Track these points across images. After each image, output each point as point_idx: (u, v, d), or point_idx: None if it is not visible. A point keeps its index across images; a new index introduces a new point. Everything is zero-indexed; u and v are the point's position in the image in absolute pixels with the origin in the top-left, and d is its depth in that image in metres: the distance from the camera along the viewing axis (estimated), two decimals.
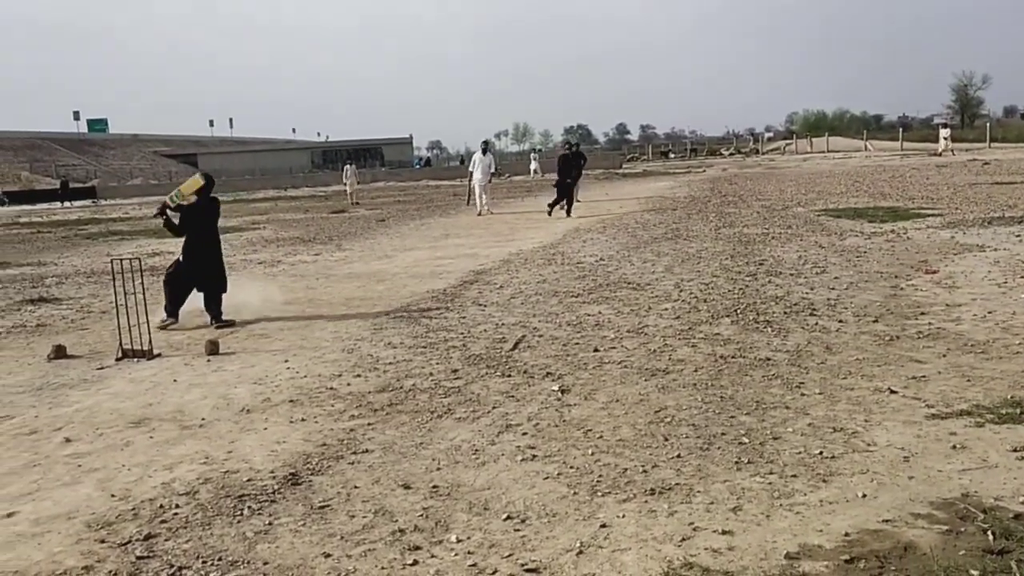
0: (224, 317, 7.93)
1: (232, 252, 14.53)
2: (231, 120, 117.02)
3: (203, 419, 5.02)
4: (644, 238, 12.86)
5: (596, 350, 6.09)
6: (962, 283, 7.84)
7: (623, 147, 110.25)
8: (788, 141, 74.73)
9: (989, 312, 6.57)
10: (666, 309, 7.37)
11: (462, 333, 6.92)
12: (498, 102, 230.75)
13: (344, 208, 26.05)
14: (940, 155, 39.41)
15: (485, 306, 8.03)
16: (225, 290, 8.10)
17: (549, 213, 17.94)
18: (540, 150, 65.93)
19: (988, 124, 57.51)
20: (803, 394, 4.84)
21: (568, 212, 17.99)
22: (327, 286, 10.12)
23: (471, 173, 20.97)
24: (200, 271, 8.02)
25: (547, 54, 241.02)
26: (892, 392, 4.78)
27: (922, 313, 6.72)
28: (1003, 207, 14.23)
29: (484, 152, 20.78)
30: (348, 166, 31.32)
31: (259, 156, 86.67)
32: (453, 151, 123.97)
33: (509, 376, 5.56)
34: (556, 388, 5.21)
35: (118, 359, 6.67)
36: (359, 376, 5.80)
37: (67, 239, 20.02)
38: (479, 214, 19.87)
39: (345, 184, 30.38)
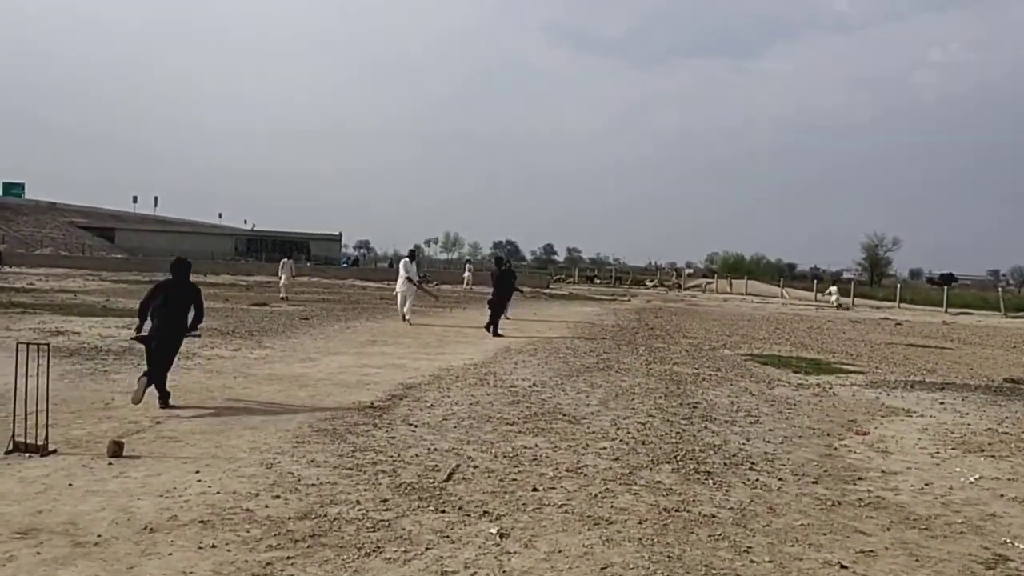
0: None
1: None
2: (156, 198, 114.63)
3: (99, 536, 4.48)
4: (576, 366, 12.73)
5: (535, 489, 5.77)
6: (894, 449, 7.86)
7: (549, 267, 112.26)
8: (709, 280, 77.27)
9: (926, 484, 6.54)
10: (604, 448, 7.14)
11: (392, 456, 6.52)
12: (430, 209, 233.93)
13: (267, 301, 25.37)
14: (838, 309, 42.09)
15: (416, 426, 7.66)
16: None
17: (491, 333, 17.69)
18: (470, 261, 66.32)
19: (898, 286, 60.77)
20: (752, 560, 4.61)
21: (495, 332, 17.75)
22: (245, 387, 9.59)
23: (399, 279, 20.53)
24: (160, 351, 8.19)
25: (483, 168, 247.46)
26: (843, 567, 4.60)
27: (860, 478, 6.65)
28: (922, 371, 14.68)
29: (411, 258, 20.60)
30: (286, 260, 30.83)
31: (181, 237, 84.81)
32: (381, 252, 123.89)
33: (443, 512, 5.18)
34: (494, 531, 4.86)
35: (7, 452, 6.03)
36: (278, 497, 5.33)
37: None
38: (404, 319, 19.59)
39: (280, 276, 29.79)
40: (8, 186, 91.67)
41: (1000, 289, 67.64)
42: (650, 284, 72.15)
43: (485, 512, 5.21)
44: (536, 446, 7.09)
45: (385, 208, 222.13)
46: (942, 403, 10.81)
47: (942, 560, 4.78)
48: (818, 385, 12.09)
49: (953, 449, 7.92)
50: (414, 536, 4.72)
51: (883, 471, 6.93)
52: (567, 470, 6.34)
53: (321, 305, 25.56)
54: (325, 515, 5.00)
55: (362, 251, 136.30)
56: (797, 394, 11.06)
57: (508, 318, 21.27)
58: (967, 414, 9.99)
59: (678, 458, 6.91)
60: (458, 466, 6.28)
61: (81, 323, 15.83)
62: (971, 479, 6.73)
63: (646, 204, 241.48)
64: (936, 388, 12.31)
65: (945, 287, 58.23)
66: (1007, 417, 9.83)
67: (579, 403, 9.37)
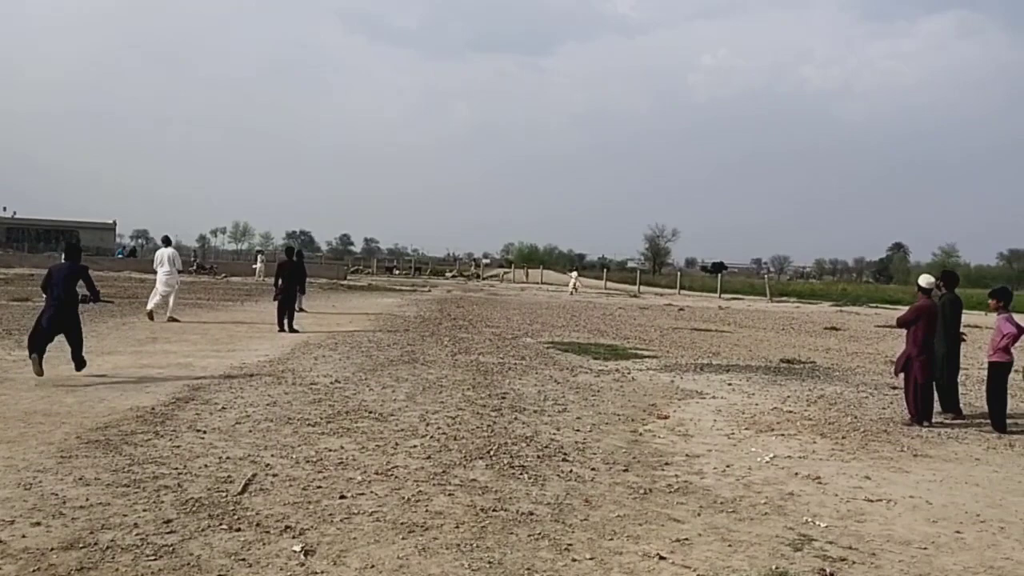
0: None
1: None
2: None
3: None
4: (380, 359, 12.27)
5: (343, 496, 5.32)
6: (694, 431, 8.11)
7: (345, 258, 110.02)
8: (506, 270, 78.86)
9: (727, 466, 6.75)
10: (415, 446, 6.79)
11: (176, 468, 5.80)
12: (216, 197, 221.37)
13: (29, 296, 22.67)
14: (572, 294, 44.88)
15: (204, 432, 6.92)
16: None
17: (281, 328, 16.54)
18: (262, 251, 63.30)
19: (678, 274, 64.93)
20: (574, 559, 4.45)
21: (290, 327, 16.65)
22: (1, 393, 8.33)
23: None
24: (58, 325, 9.49)
25: (276, 154, 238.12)
26: (662, 558, 4.54)
27: (667, 463, 6.75)
28: (708, 354, 15.53)
29: (167, 245, 18.44)
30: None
31: None
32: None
33: (238, 530, 4.62)
34: (298, 549, 4.37)
35: None
36: (39, 524, 4.54)
37: None
38: (149, 315, 17.07)
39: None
40: None
41: (765, 276, 74.13)
42: (450, 275, 72.50)
43: (287, 527, 4.70)
44: (342, 448, 6.61)
45: (166, 196, 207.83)
46: (730, 384, 11.42)
47: (752, 544, 4.85)
48: (617, 371, 12.41)
49: (746, 429, 8.30)
50: (204, 562, 4.14)
51: (687, 455, 7.08)
52: (376, 473, 5.93)
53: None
54: (96, 543, 4.29)
55: (140, 241, 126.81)
56: (599, 380, 11.26)
57: (304, 311, 20.34)
58: (753, 394, 10.59)
59: (491, 453, 6.69)
60: (255, 475, 5.70)
61: None
62: (766, 459, 7.03)
63: (443, 195, 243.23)
64: (723, 370, 13.02)
65: (719, 274, 62.97)
66: (788, 396, 10.51)
67: (385, 399, 8.95)
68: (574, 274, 52.26)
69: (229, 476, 5.65)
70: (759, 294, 53.10)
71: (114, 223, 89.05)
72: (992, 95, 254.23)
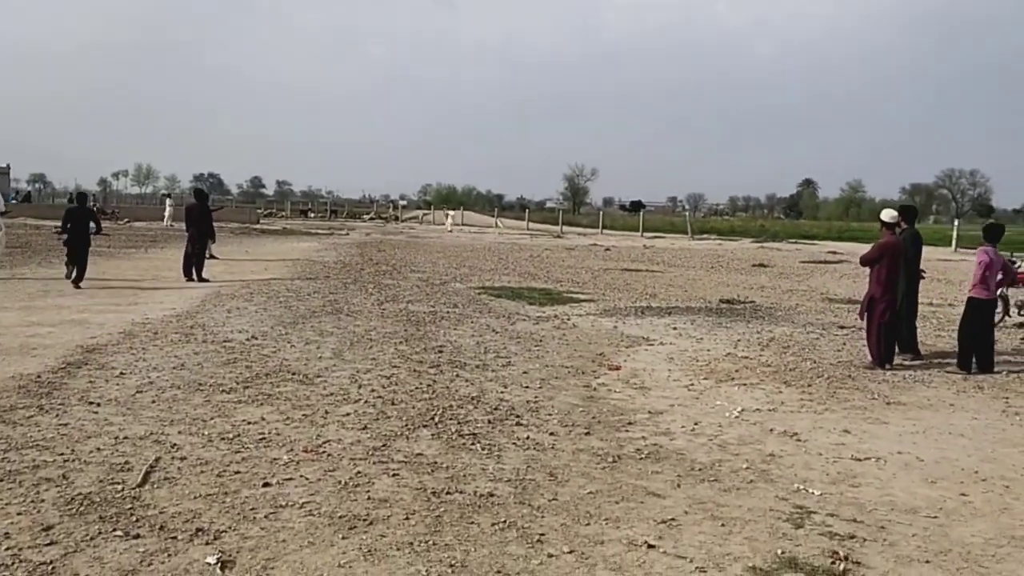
0: None
1: None
2: None
3: None
4: (301, 311, 11.28)
5: (267, 484, 4.48)
6: (650, 384, 7.50)
7: (257, 201, 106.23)
8: (426, 212, 77.35)
9: (696, 424, 6.15)
10: (348, 415, 5.95)
11: (63, 453, 4.84)
12: (119, 138, 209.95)
13: None
14: (450, 232, 46.04)
15: (99, 405, 5.93)
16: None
17: (188, 278, 15.27)
18: (170, 195, 60.00)
19: (600, 212, 64.74)
20: (550, 554, 3.75)
21: (199, 276, 15.45)
22: None
23: None
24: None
25: (172, 91, 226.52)
26: (650, 547, 3.89)
27: (630, 423, 6.12)
28: (645, 296, 15.02)
29: None
30: None
31: None
32: (61, 187, 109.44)
33: (137, 537, 3.75)
34: (213, 560, 3.54)
35: None
36: None
37: None
38: None
39: None
40: None
41: (686, 215, 74.72)
42: (367, 217, 70.66)
43: (198, 529, 3.85)
44: (263, 419, 5.73)
45: (63, 139, 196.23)
46: (675, 328, 10.89)
47: (747, 522, 4.24)
48: (556, 316, 11.75)
49: (705, 379, 7.74)
50: None
51: (649, 411, 6.46)
52: (305, 450, 5.09)
53: None
54: None
55: (37, 185, 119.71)
56: (539, 328, 10.57)
57: (215, 257, 19.01)
58: (702, 339, 10.08)
59: (436, 419, 5.92)
60: (158, 460, 4.79)
61: None
62: (735, 413, 6.47)
63: (357, 138, 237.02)
64: (664, 313, 12.51)
65: (640, 213, 63.07)
66: (739, 340, 10.03)
67: (310, 356, 8.05)
68: (452, 212, 53.84)
69: (127, 462, 4.72)
70: (680, 232, 53.39)
71: (7, 167, 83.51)
72: (897, 26, 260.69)
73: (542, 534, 3.98)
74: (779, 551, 3.87)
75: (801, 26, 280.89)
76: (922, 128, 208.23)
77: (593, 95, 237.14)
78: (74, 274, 13.65)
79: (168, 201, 47.80)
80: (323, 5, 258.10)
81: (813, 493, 4.71)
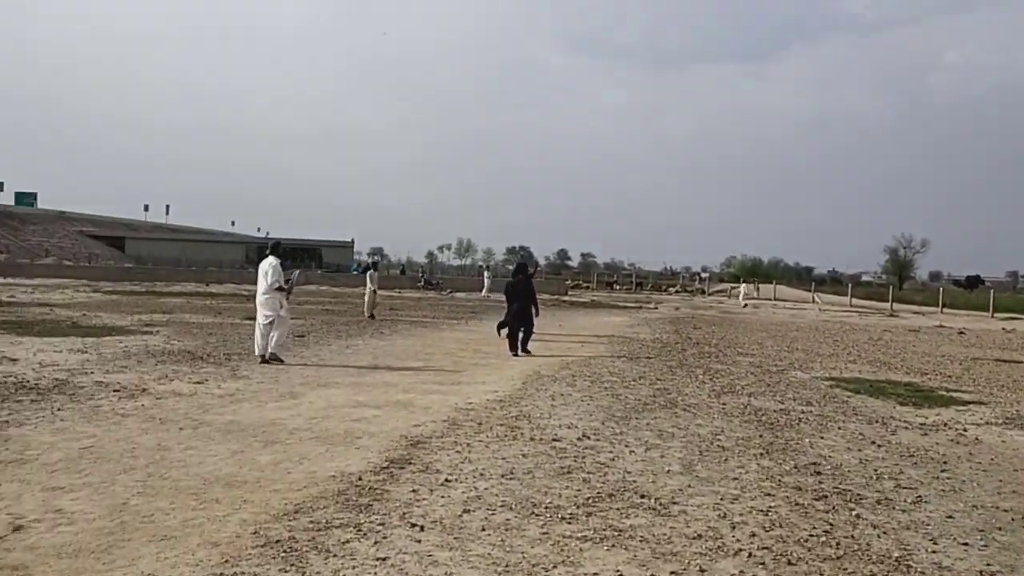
0: None
1: (94, 367, 11.17)
2: (167, 207, 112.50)
3: None
4: (630, 401, 9.97)
5: None
6: None
7: (563, 272, 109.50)
8: (734, 285, 74.31)
9: None
10: None
11: None
12: (442, 215, 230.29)
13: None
14: (744, 308, 43.41)
15: (422, 529, 4.91)
16: None
17: (515, 352, 14.98)
18: (488, 267, 63.19)
19: (940, 289, 57.77)
20: None
21: (523, 347, 15.13)
22: (188, 447, 6.87)
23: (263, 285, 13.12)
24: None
25: (496, 173, 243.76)
26: None
27: None
28: None
29: (275, 253, 13.24)
30: (372, 271, 25.59)
31: (191, 246, 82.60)
32: (395, 259, 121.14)
33: None
34: None
35: None
36: None
37: None
38: (261, 358, 12.50)
39: (368, 287, 24.26)
40: (20, 196, 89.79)
41: None
42: (673, 291, 69.30)
43: None
44: (617, 573, 4.34)
45: (396, 215, 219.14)
46: None
47: None
48: (946, 425, 9.31)
49: None
50: None
51: None
52: None
53: (324, 317, 22.92)
54: None
55: (375, 257, 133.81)
56: (933, 443, 8.27)
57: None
58: None
59: None
60: None
61: (29, 346, 13.22)
62: None
63: (660, 209, 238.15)
64: None
65: (991, 290, 55.22)
66: None
67: (655, 469, 6.60)
68: (743, 287, 51.27)
69: None
70: None
71: (352, 241, 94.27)
72: None
73: None
74: None
75: None
76: None
77: (917, 161, 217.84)
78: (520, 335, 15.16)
79: (486, 273, 50.14)
80: (628, 82, 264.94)
81: None
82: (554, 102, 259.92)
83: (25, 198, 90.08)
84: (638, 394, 10.59)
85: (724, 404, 10.13)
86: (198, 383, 10.19)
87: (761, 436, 8.17)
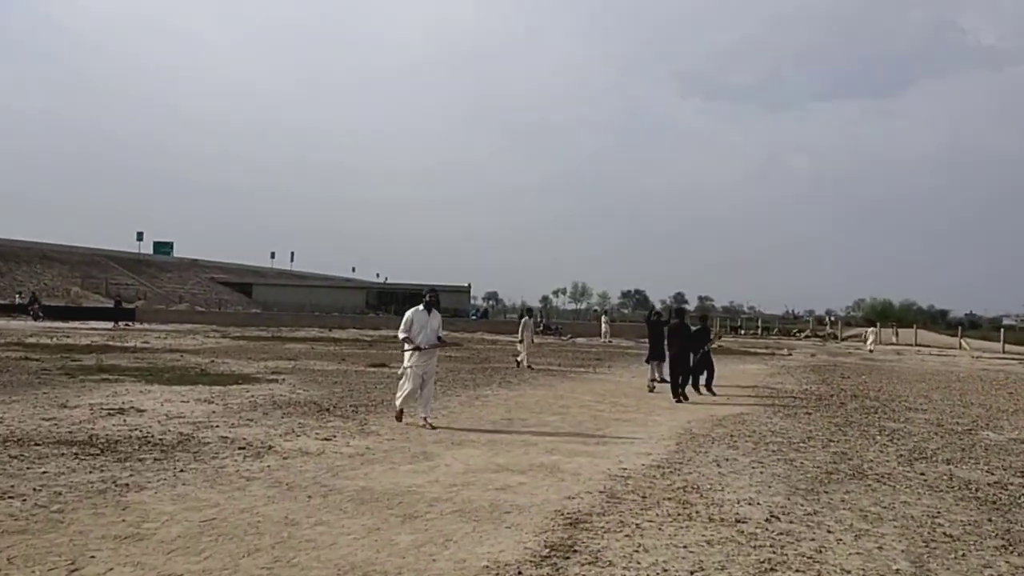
0: None
1: (220, 420, 10.66)
2: (292, 253, 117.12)
3: None
4: (808, 469, 8.59)
5: None
6: None
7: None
8: (872, 328, 70.11)
9: None
10: None
11: None
12: (557, 259, 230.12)
13: (386, 362, 22.20)
14: (871, 353, 40.81)
15: None
16: None
17: (678, 399, 14.43)
18: (606, 311, 61.81)
19: None
20: None
21: (683, 392, 14.50)
22: (318, 521, 6.03)
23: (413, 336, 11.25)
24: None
25: (615, 219, 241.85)
26: None
27: None
28: None
29: (431, 305, 11.38)
30: (527, 318, 23.59)
31: (314, 292, 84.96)
32: (509, 303, 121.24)
33: None
34: None
35: None
36: None
37: (37, 373, 16.16)
38: (398, 416, 11.22)
39: (520, 337, 22.73)
40: (158, 245, 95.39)
41: None
42: (803, 336, 65.88)
43: None
44: None
45: (513, 260, 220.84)
46: None
47: None
48: None
49: None
50: None
51: None
52: None
53: (446, 365, 22.21)
54: None
55: (491, 302, 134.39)
56: None
57: (665, 381, 17.22)
58: None
59: None
60: None
61: (158, 395, 12.96)
62: None
63: (781, 252, 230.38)
64: None
65: None
66: None
67: (878, 568, 5.29)
68: (871, 330, 47.21)
69: None
70: None
71: (468, 286, 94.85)
72: None
73: None
74: None
75: None
76: None
77: None
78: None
79: (604, 317, 48.86)
80: (746, 122, 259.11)
81: None
82: (672, 150, 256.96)
83: (163, 247, 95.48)
84: (815, 459, 9.19)
85: (921, 474, 8.61)
86: (326, 440, 9.47)
87: (991, 520, 6.69)
